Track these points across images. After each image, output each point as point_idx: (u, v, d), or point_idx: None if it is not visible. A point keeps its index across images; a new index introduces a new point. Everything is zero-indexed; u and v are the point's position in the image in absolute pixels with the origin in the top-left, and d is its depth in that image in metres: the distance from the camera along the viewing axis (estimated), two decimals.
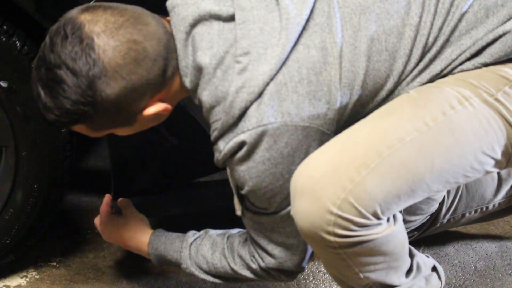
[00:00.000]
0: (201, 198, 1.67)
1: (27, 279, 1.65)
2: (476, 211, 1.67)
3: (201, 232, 1.44)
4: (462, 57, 1.18)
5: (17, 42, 1.40)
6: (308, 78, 1.15)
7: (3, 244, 1.58)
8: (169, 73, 1.19)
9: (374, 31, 1.17)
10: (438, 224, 1.67)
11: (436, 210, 1.64)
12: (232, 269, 1.37)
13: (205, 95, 1.18)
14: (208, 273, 1.41)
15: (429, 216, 1.64)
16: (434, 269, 1.40)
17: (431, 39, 1.18)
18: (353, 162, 1.13)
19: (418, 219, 1.63)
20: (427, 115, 1.15)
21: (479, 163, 1.17)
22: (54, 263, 1.71)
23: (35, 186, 1.52)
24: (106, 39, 1.11)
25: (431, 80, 1.20)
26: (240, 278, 1.39)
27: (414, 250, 1.37)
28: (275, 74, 1.15)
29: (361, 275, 1.24)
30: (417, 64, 1.19)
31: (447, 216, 1.66)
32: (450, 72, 1.19)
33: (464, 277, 1.71)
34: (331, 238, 1.14)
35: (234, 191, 1.32)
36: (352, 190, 1.11)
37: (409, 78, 1.19)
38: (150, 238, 1.47)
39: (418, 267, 1.35)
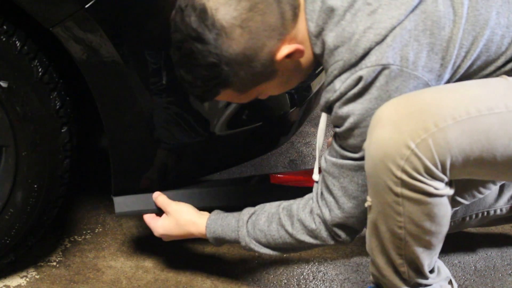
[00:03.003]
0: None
1: (27, 279, 1.65)
2: (476, 215, 1.65)
3: (257, 207, 1.48)
4: None
5: (17, 42, 1.40)
6: (431, 30, 1.20)
7: (3, 244, 1.57)
8: (289, 16, 1.24)
9: (500, 5, 1.22)
10: None
11: None
12: (291, 236, 1.41)
13: (331, 36, 1.23)
14: (267, 246, 1.45)
15: None
16: (450, 282, 1.43)
17: None
18: (442, 110, 1.17)
19: None
20: None
21: None
22: (54, 263, 1.71)
23: (35, 186, 1.52)
24: None
25: None
26: (299, 246, 1.43)
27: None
28: (403, 20, 1.19)
29: (402, 235, 1.25)
30: None
31: None
32: None
33: (464, 277, 1.71)
34: (398, 173, 1.17)
35: (317, 152, 1.38)
36: (434, 133, 1.15)
37: None
38: (207, 223, 1.52)
39: (439, 270, 1.39)
